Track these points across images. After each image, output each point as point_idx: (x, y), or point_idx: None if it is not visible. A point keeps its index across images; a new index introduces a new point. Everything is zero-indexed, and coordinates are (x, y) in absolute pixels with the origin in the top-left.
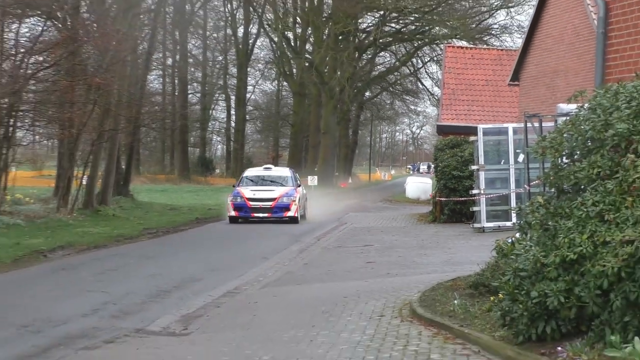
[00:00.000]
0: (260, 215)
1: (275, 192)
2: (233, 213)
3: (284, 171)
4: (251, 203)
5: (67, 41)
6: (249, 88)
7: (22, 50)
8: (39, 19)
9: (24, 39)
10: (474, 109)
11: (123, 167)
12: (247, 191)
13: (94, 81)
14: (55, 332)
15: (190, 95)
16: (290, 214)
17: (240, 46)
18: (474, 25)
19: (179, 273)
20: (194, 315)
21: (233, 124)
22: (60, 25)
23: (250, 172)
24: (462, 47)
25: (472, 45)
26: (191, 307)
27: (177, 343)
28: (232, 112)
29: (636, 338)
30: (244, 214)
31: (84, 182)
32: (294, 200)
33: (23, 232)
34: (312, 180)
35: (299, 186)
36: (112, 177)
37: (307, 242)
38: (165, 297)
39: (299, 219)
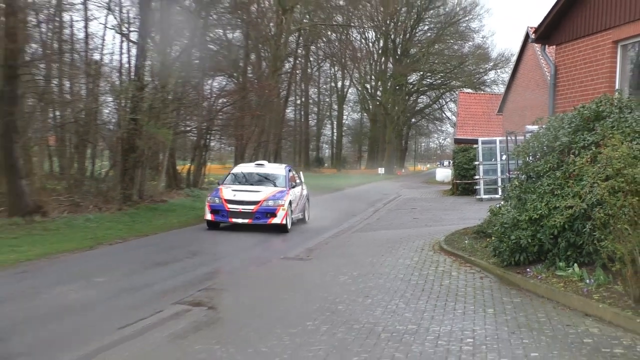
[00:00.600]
0: (239, 221)
1: (260, 193)
2: (209, 217)
3: (277, 169)
4: (230, 206)
5: (240, 90)
6: (345, 116)
7: (214, 95)
8: (224, 76)
9: (215, 88)
10: (476, 129)
11: (270, 158)
12: (228, 191)
13: (255, 113)
14: (235, 259)
15: (310, 121)
16: (276, 220)
17: (339, 92)
18: (475, 80)
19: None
20: (312, 248)
21: (335, 137)
22: (236, 81)
23: (238, 168)
24: (469, 93)
25: (474, 92)
26: (311, 244)
27: (302, 264)
28: (334, 130)
29: (575, 265)
30: (221, 218)
31: None
32: (282, 205)
33: None
34: (381, 170)
35: (294, 187)
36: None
37: (378, 207)
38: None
39: (288, 226)
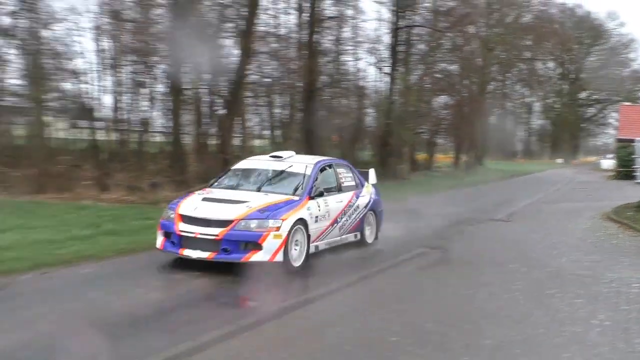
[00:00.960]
0: (193, 254)
1: (243, 205)
2: (159, 242)
3: (300, 165)
4: (182, 228)
5: (457, 105)
6: (533, 122)
7: (439, 108)
8: (446, 95)
9: (440, 103)
10: (634, 131)
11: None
12: (193, 200)
13: (468, 121)
14: (454, 217)
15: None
16: (258, 257)
17: (528, 105)
18: (633, 96)
19: (502, 196)
20: (512, 213)
21: (525, 136)
22: (454, 98)
23: (246, 162)
24: (628, 105)
25: (633, 104)
26: (510, 211)
27: (505, 225)
28: (524, 132)
29: None
30: (170, 247)
31: (466, 158)
32: (274, 227)
33: (441, 178)
34: (559, 160)
35: (330, 194)
36: (476, 155)
37: (558, 186)
38: (500, 206)
39: (294, 264)
